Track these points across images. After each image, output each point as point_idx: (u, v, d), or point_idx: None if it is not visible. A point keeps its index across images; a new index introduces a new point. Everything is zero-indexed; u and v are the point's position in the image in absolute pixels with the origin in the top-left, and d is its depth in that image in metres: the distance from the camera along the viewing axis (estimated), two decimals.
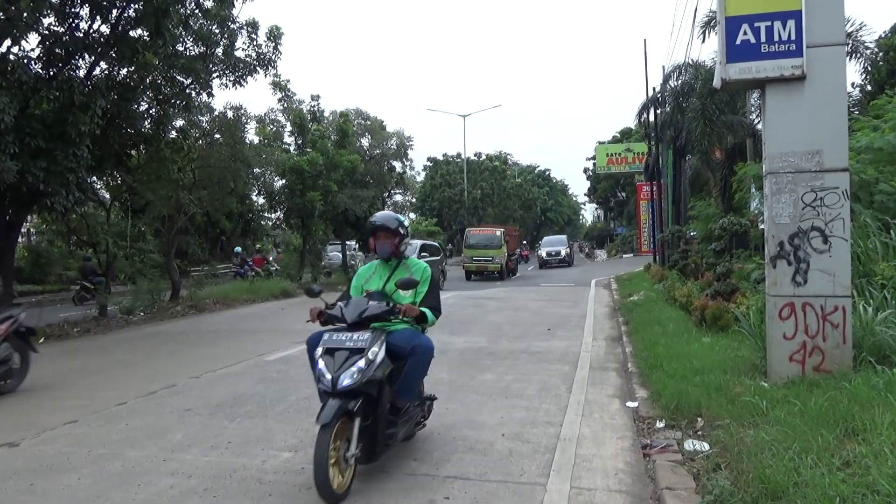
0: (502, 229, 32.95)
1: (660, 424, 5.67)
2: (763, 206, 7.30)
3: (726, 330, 9.23)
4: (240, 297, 19.57)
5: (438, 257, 26.60)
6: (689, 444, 5.00)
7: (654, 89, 27.65)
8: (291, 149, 28.22)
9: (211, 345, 11.47)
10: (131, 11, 12.93)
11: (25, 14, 11.14)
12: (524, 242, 57.82)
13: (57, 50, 12.61)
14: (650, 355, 8.17)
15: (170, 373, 8.74)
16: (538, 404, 6.66)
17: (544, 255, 41.83)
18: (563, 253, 41.56)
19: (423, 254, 24.65)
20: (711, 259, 15.11)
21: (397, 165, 36.34)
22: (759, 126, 17.27)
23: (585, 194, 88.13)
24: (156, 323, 15.05)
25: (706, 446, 4.90)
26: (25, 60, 12.07)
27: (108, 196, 20.48)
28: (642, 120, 30.40)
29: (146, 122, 15.31)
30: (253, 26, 16.14)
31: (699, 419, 5.55)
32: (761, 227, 10.46)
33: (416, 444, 5.35)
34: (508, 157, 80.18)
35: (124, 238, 23.15)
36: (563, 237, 47.69)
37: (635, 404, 6.45)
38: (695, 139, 19.93)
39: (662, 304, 13.61)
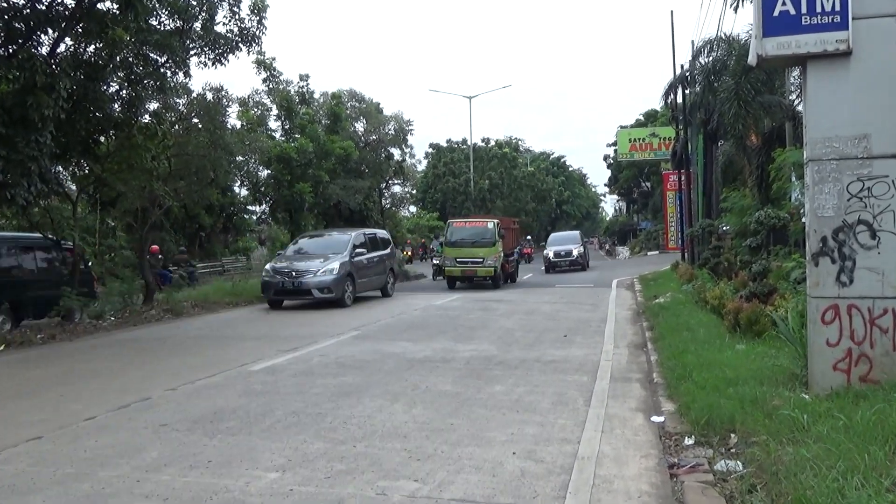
0: (496, 221, 27.55)
1: (688, 441, 5.67)
2: (804, 198, 7.29)
3: (763, 336, 9.25)
4: (221, 301, 19.63)
5: (386, 252, 21.90)
6: (722, 464, 5.00)
7: (682, 67, 27.56)
8: (278, 135, 28.29)
9: (189, 353, 11.50)
10: None
11: None
12: (528, 238, 56.65)
13: (17, 24, 12.64)
14: (678, 364, 8.17)
15: (143, 384, 8.77)
16: (553, 419, 6.67)
17: (551, 255, 37.51)
18: (574, 253, 37.30)
19: (359, 250, 19.93)
20: (746, 256, 15.05)
21: (396, 153, 36.30)
22: (800, 108, 17.26)
23: (605, 184, 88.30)
24: (128, 328, 15.10)
25: (740, 465, 4.90)
26: None
27: (74, 187, 20.54)
28: (669, 101, 30.30)
29: (116, 106, 15.35)
30: None
31: (732, 435, 5.56)
32: (802, 220, 10.44)
33: (417, 463, 5.37)
34: (520, 142, 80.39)
35: (93, 234, 23.22)
36: (576, 233, 43.02)
37: (661, 419, 6.45)
38: (728, 122, 19.89)
39: (691, 307, 13.62)
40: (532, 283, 29.05)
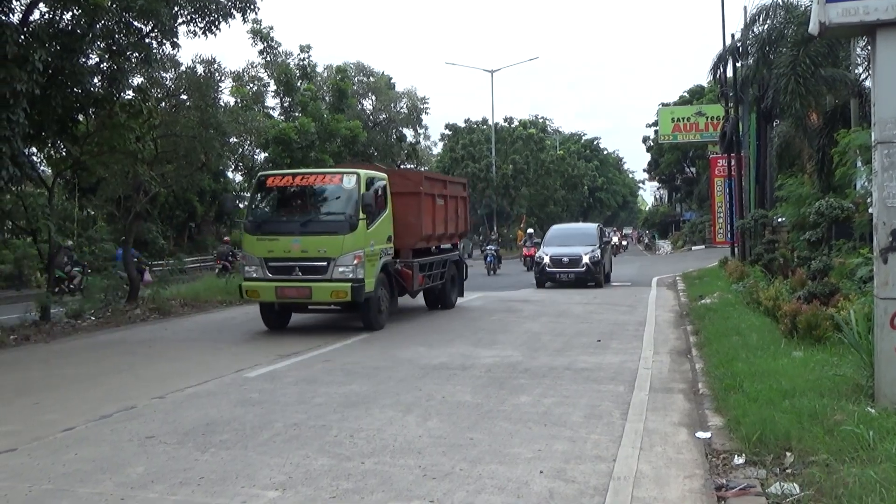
0: (367, 173, 14.75)
1: (738, 460, 5.66)
2: (871, 185, 7.24)
3: (823, 342, 9.21)
4: (213, 299, 19.73)
5: None
6: (776, 486, 4.99)
7: (732, 36, 27.38)
8: (276, 113, 28.38)
9: (178, 357, 11.58)
10: None
11: None
12: (531, 232, 38.79)
13: None
14: (726, 373, 8.15)
15: (127, 391, 8.85)
16: (585, 434, 6.68)
17: (546, 260, 25.63)
18: (584, 259, 25.02)
19: None
20: (805, 252, 15.02)
21: (408, 134, 36.35)
22: (867, 83, 17.09)
23: (644, 170, 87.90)
24: (110, 329, 15.23)
25: (797, 488, 4.89)
26: None
27: (49, 172, 20.72)
28: (717, 76, 30.06)
29: (96, 80, 15.44)
30: None
31: (788, 454, 5.54)
32: (869, 211, 10.36)
33: (432, 482, 5.40)
34: (547, 123, 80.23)
35: (71, 224, 23.43)
36: (592, 227, 29.31)
37: (707, 435, 6.44)
38: (784, 100, 19.74)
39: (742, 309, 13.55)
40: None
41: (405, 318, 15.78)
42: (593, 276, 25.25)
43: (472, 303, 19.13)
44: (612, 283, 25.90)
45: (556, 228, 30.24)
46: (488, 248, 33.49)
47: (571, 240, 26.86)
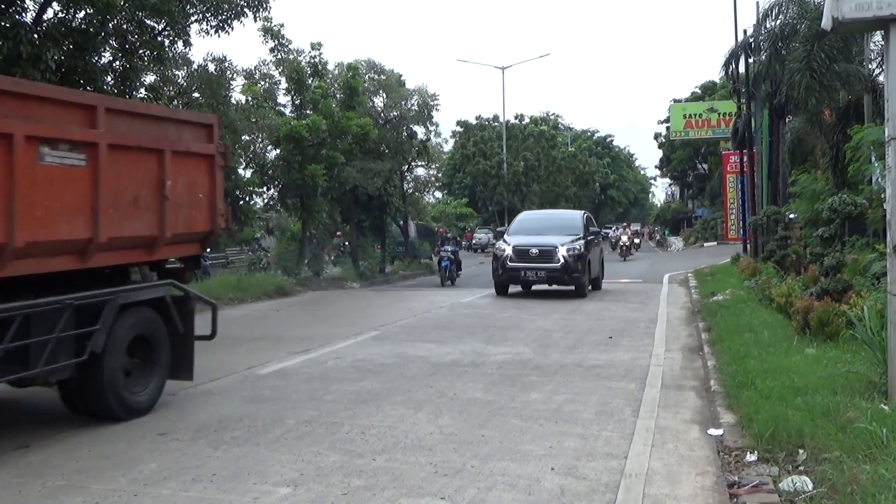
0: None
1: (751, 457, 5.65)
2: (885, 181, 7.21)
3: (836, 338, 9.17)
4: (225, 296, 19.74)
5: None
6: (788, 483, 4.98)
7: (744, 32, 27.26)
8: (287, 111, 28.36)
9: None
10: None
11: None
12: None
13: None
14: (739, 370, 8.14)
15: None
16: (597, 431, 6.68)
17: (509, 252, 19.33)
18: (561, 251, 18.79)
19: None
20: (818, 248, 14.92)
21: (419, 131, 36.24)
22: (881, 78, 16.98)
23: (656, 166, 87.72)
24: None
25: (809, 485, 4.87)
26: None
27: None
28: (730, 71, 29.91)
29: (109, 78, 15.48)
30: None
31: (801, 451, 5.53)
32: (883, 207, 10.31)
33: (444, 478, 5.40)
34: (559, 119, 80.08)
35: None
36: (576, 214, 22.48)
37: (719, 432, 6.44)
38: (797, 95, 19.64)
39: (754, 306, 13.52)
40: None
41: (411, 316, 15.78)
42: (572, 276, 18.88)
43: (484, 300, 19.11)
44: (624, 278, 24.80)
45: (527, 215, 23.83)
46: (443, 250, 26.07)
47: (546, 229, 20.33)
